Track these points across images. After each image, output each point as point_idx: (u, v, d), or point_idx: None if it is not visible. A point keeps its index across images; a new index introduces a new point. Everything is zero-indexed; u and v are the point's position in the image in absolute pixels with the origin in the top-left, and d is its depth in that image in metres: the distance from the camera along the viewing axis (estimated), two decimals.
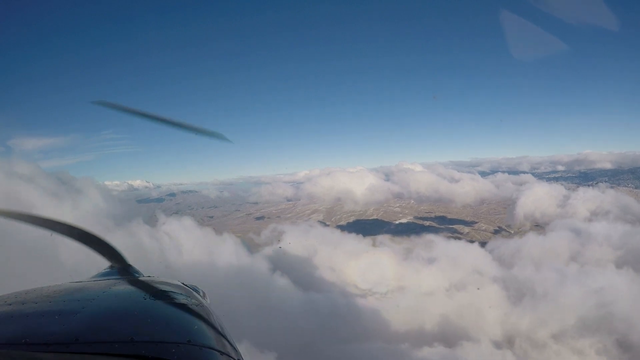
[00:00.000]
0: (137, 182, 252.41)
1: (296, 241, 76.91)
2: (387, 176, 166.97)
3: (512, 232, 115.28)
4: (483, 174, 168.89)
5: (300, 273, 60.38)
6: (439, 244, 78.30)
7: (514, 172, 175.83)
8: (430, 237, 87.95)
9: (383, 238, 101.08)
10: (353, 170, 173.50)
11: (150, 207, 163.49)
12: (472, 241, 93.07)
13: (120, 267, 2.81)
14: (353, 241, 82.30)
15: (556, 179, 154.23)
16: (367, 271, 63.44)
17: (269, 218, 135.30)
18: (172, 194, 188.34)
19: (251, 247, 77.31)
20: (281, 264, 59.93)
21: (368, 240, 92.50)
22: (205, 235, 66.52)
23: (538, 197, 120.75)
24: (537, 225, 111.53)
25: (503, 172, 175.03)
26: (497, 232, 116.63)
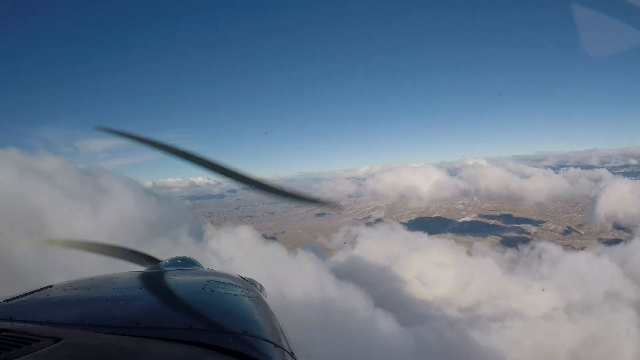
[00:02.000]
0: (199, 179, 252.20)
1: (374, 246, 66.21)
2: (451, 172, 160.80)
3: (583, 232, 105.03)
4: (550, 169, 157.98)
5: (384, 289, 49.73)
6: (550, 252, 65.13)
7: (583, 166, 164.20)
8: (543, 245, 73.33)
9: (480, 245, 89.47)
10: (416, 165, 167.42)
11: (210, 203, 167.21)
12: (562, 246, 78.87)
13: (183, 258, 3.00)
14: (441, 247, 69.94)
15: (627, 174, 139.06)
16: (467, 287, 52.61)
17: (329, 215, 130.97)
18: (233, 190, 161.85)
19: (323, 254, 67.73)
20: (359, 277, 49.44)
21: (461, 246, 78.24)
22: (269, 252, 52.31)
23: (621, 196, 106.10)
24: (619, 228, 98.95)
25: (574, 167, 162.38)
26: (566, 232, 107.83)
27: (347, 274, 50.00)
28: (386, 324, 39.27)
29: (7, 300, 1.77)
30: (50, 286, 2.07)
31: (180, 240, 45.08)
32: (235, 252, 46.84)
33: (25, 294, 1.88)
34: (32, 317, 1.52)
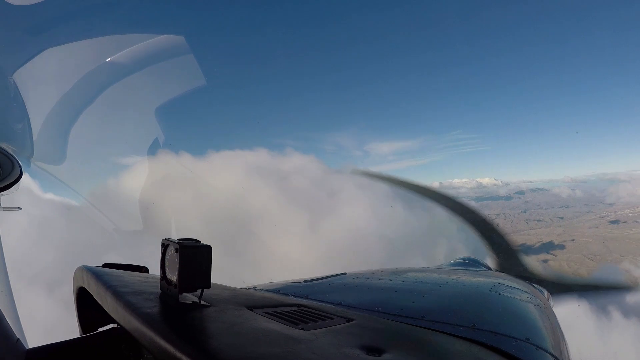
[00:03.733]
0: (486, 180, 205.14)
1: None
2: None
3: None
4: None
5: None
6: None
7: None
8: None
9: None
10: None
11: (497, 205, 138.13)
12: None
13: (471, 259, 3.35)
14: None
15: None
16: None
17: (624, 222, 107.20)
18: (521, 192, 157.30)
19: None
20: None
21: None
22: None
23: None
24: None
25: None
26: None
27: None
28: None
29: (305, 282, 2.19)
30: (344, 273, 2.46)
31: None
32: None
33: (321, 278, 2.28)
34: (327, 297, 1.81)
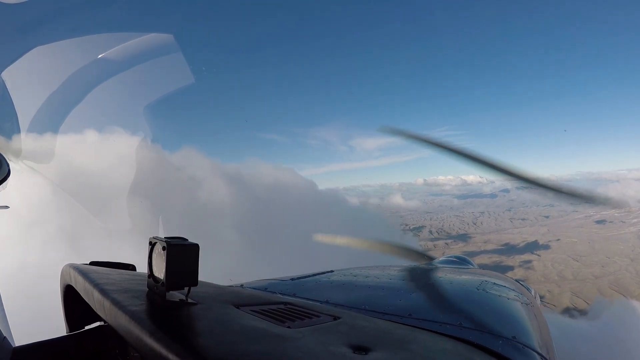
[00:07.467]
0: (471, 177, 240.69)
1: None
2: None
3: None
4: None
5: None
6: None
7: None
8: None
9: None
10: None
11: (482, 202, 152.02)
12: None
13: (459, 257, 3.49)
14: None
15: None
16: None
17: (611, 222, 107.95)
18: (506, 190, 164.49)
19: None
20: None
21: None
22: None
23: None
24: None
25: None
26: None
27: None
28: None
29: (292, 279, 2.23)
30: (332, 271, 2.53)
31: None
32: None
33: (308, 276, 2.35)
34: (314, 295, 1.85)
